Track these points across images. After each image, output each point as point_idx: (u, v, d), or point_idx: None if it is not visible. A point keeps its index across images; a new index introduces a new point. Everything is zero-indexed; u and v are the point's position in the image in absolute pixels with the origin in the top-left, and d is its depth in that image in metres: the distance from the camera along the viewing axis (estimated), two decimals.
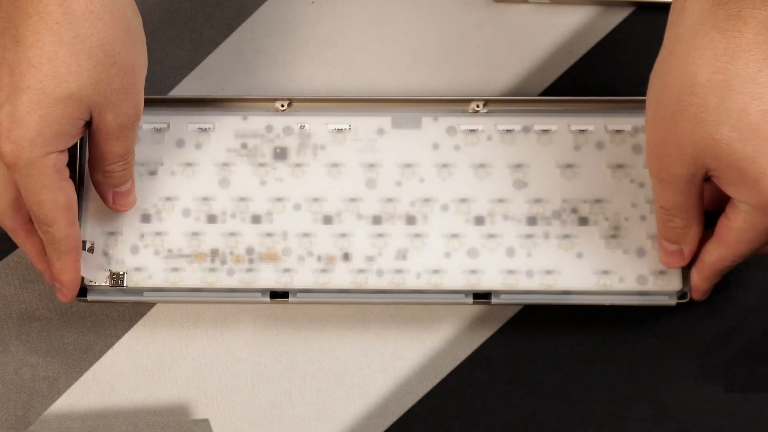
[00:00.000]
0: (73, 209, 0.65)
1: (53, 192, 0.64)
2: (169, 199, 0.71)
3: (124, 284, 0.70)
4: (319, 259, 0.70)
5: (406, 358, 0.72)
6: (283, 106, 0.72)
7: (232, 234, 0.71)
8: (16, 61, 0.61)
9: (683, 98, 0.60)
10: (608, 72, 0.75)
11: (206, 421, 0.71)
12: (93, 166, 0.67)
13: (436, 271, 0.70)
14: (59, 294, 0.68)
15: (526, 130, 0.71)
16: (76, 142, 0.69)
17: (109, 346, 0.72)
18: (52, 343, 0.72)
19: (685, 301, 0.70)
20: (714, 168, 0.61)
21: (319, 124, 0.72)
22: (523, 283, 0.70)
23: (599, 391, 0.71)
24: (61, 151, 0.63)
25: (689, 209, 0.65)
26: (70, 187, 0.65)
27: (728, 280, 0.72)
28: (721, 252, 0.65)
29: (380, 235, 0.70)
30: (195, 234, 0.71)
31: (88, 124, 0.64)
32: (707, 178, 0.63)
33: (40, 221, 0.65)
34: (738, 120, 0.59)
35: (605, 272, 0.70)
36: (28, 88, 0.61)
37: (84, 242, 0.70)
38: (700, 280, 0.68)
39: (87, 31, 0.61)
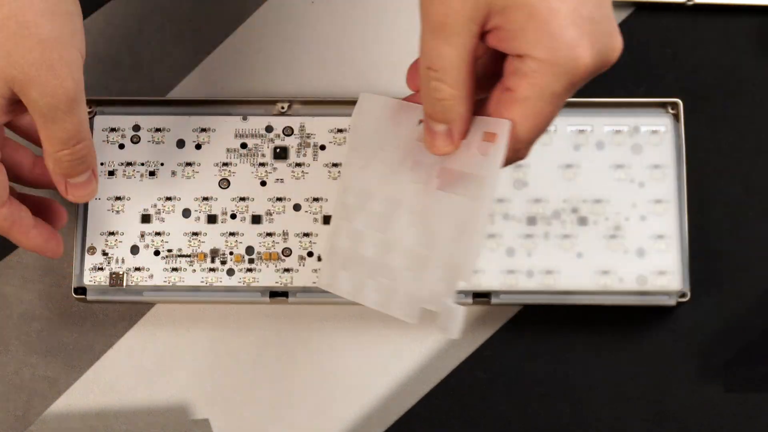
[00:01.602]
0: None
1: None
2: (169, 199, 0.71)
3: (124, 284, 0.70)
4: (319, 259, 0.70)
5: (406, 358, 0.72)
6: (283, 107, 0.72)
7: (232, 234, 0.71)
8: None
9: None
10: (608, 72, 0.75)
11: (206, 421, 0.71)
12: (43, 152, 0.63)
13: None
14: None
15: None
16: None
17: (109, 346, 0.72)
18: (52, 343, 0.72)
19: (685, 300, 0.70)
20: (498, 5, 0.53)
21: (319, 125, 0.72)
22: (523, 283, 0.70)
23: (599, 391, 0.71)
24: None
25: (461, 70, 0.55)
26: None
27: (729, 280, 0.72)
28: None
29: None
30: (195, 234, 0.71)
31: (21, 104, 0.61)
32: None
33: None
34: None
35: (605, 272, 0.70)
36: None
37: (84, 242, 0.70)
38: None
39: None
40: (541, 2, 0.52)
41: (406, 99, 0.61)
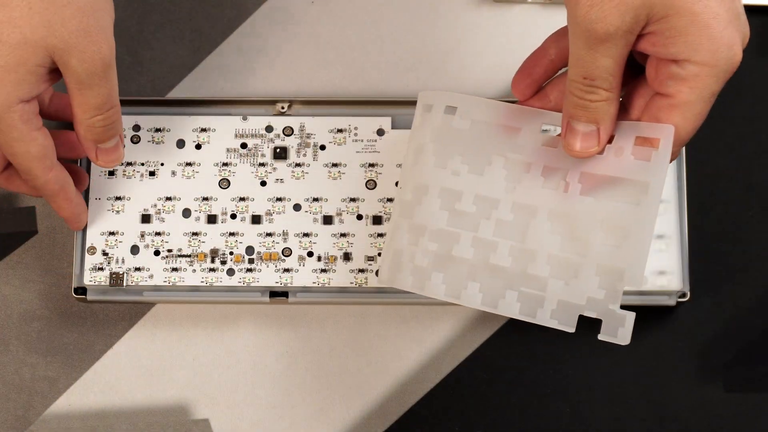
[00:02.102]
0: (49, 156, 0.64)
1: (25, 143, 0.62)
2: (169, 199, 0.71)
3: (124, 284, 0.70)
4: (319, 259, 0.70)
5: (406, 358, 0.72)
6: (283, 107, 0.72)
7: (232, 234, 0.71)
8: None
9: None
10: None
11: (206, 421, 0.71)
12: (75, 119, 0.64)
13: None
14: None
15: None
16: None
17: (109, 346, 0.72)
18: (52, 343, 0.72)
19: (685, 300, 0.70)
20: (658, 14, 0.54)
21: (319, 125, 0.72)
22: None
23: (599, 391, 0.71)
24: (27, 101, 0.61)
25: (616, 76, 0.57)
26: (43, 135, 0.63)
27: (729, 280, 0.72)
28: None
29: (380, 235, 0.70)
30: (195, 234, 0.71)
31: (57, 73, 0.62)
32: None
33: (20, 171, 0.64)
34: None
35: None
36: None
37: (84, 242, 0.70)
38: None
39: None
40: (704, 8, 0.53)
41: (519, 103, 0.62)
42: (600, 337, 0.59)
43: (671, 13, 0.54)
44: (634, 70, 0.60)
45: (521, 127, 0.61)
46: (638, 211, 0.59)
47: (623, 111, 0.60)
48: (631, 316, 0.59)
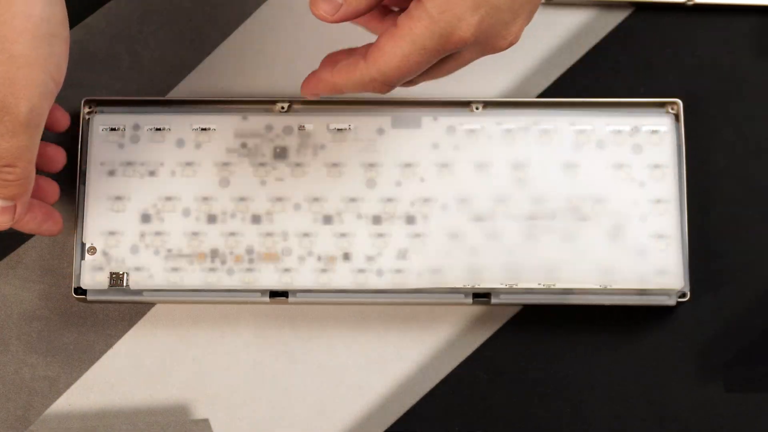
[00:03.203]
0: None
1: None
2: (169, 199, 0.71)
3: (124, 284, 0.70)
4: (319, 259, 0.70)
5: (406, 358, 0.72)
6: (283, 107, 0.72)
7: (232, 234, 0.71)
8: None
9: None
10: (608, 72, 0.75)
11: (206, 421, 0.71)
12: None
13: (436, 271, 0.70)
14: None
15: (526, 129, 0.71)
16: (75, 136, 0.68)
17: (109, 346, 0.72)
18: (52, 343, 0.72)
19: (685, 300, 0.70)
20: None
21: (319, 125, 0.72)
22: (523, 283, 0.70)
23: (599, 391, 0.71)
24: None
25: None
26: None
27: (729, 280, 0.72)
28: (367, 65, 0.60)
29: (380, 235, 0.70)
30: (195, 234, 0.71)
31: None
32: None
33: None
34: None
35: (605, 272, 0.70)
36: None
37: (83, 243, 0.70)
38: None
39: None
40: None
41: None
42: None
43: None
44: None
45: None
46: None
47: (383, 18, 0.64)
48: None
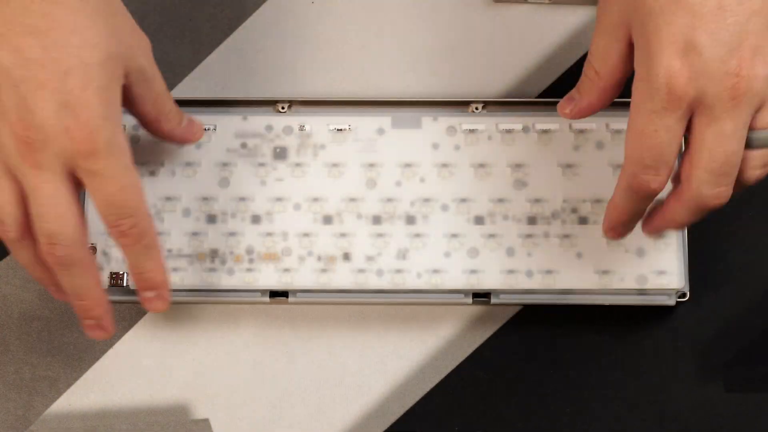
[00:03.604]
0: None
1: (133, 173, 0.61)
2: (169, 199, 0.71)
3: (124, 284, 0.70)
4: (319, 259, 0.70)
5: (406, 358, 0.72)
6: (283, 108, 0.72)
7: (232, 234, 0.71)
8: (42, 51, 0.58)
9: None
10: None
11: (206, 421, 0.71)
12: (156, 120, 0.65)
13: (436, 271, 0.70)
14: (102, 326, 0.65)
15: (526, 129, 0.71)
16: None
17: (109, 346, 0.72)
18: (52, 343, 0.72)
19: (684, 300, 0.70)
20: (633, 22, 0.60)
21: (319, 125, 0.72)
22: (523, 283, 0.70)
23: (599, 391, 0.71)
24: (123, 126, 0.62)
25: (607, 59, 0.62)
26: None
27: (729, 280, 0.72)
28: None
29: (380, 235, 0.70)
30: (195, 234, 0.71)
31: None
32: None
33: (122, 214, 0.61)
34: None
35: (605, 272, 0.70)
36: (70, 68, 0.58)
37: None
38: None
39: None
40: (658, 25, 0.59)
41: None
42: None
43: (637, 20, 0.60)
44: None
45: None
46: None
47: None
48: None
